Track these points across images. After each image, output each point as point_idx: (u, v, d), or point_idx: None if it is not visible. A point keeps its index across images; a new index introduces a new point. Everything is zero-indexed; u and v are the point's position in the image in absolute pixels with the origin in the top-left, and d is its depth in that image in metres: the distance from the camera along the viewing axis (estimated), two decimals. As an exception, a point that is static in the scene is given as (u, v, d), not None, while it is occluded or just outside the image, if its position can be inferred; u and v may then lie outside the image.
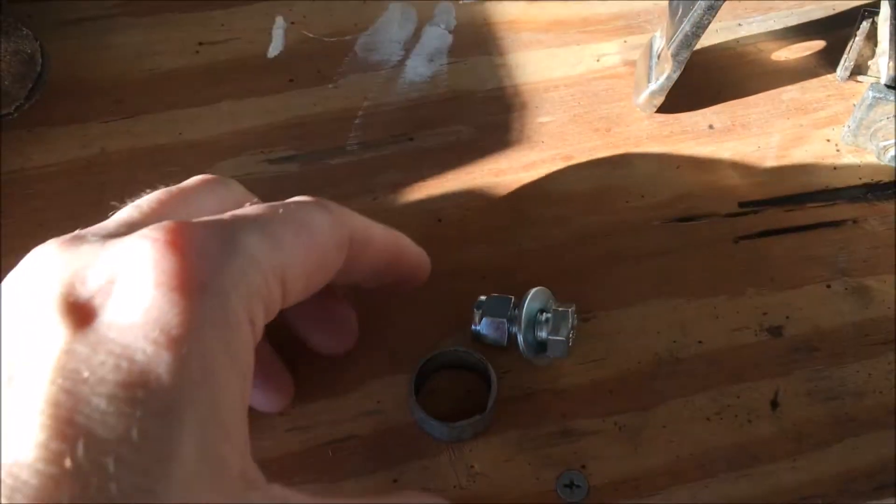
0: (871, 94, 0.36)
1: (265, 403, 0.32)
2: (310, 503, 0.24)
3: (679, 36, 0.36)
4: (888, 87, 0.36)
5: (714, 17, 0.35)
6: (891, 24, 0.34)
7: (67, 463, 0.19)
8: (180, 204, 0.26)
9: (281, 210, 0.26)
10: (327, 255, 0.27)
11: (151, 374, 0.20)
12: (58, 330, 0.21)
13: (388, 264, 0.31)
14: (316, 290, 0.27)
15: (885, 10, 0.35)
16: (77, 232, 0.24)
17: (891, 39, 0.35)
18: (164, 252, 0.22)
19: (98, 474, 0.19)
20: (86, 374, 0.20)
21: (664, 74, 0.37)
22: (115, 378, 0.20)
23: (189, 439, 0.20)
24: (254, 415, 0.27)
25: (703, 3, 0.34)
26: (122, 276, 0.22)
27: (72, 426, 0.19)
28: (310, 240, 0.26)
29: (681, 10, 0.36)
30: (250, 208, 0.26)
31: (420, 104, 0.41)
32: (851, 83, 0.41)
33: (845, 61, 0.40)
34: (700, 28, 0.36)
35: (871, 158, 0.38)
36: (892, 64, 0.36)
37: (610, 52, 0.42)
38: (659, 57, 0.39)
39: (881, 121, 0.36)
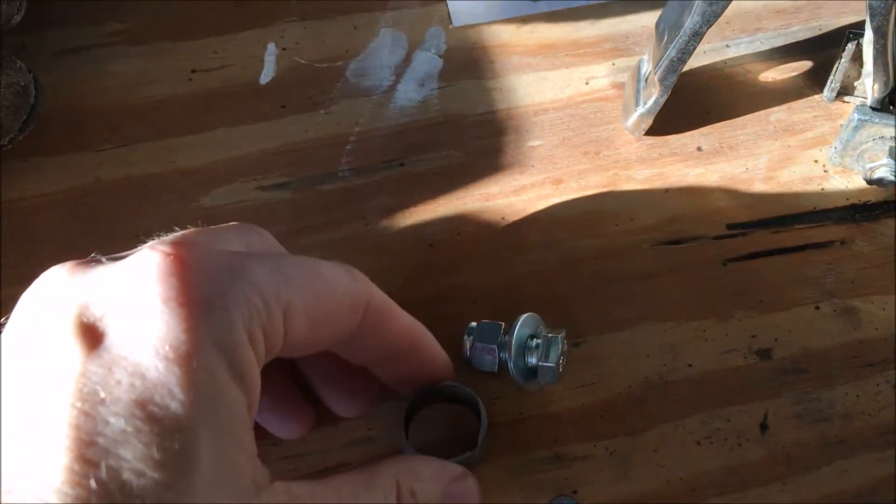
0: (856, 116, 0.36)
1: (284, 431, 0.32)
2: (309, 490, 0.25)
3: (665, 62, 0.36)
4: (873, 109, 0.36)
5: (699, 42, 0.35)
6: (874, 46, 0.35)
7: (92, 484, 0.19)
8: (204, 236, 0.26)
9: (301, 258, 0.26)
10: (339, 309, 0.27)
11: (165, 391, 0.21)
12: (73, 352, 0.21)
13: (407, 351, 0.31)
14: (325, 345, 0.28)
15: (869, 31, 0.35)
16: (93, 255, 0.25)
17: (875, 62, 0.35)
18: (171, 266, 0.23)
19: (123, 493, 0.19)
20: (102, 394, 0.21)
21: (651, 99, 0.38)
22: (131, 397, 0.21)
23: (206, 452, 0.21)
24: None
25: (688, 30, 0.35)
26: (130, 289, 0.23)
27: (94, 448, 0.20)
28: (322, 286, 0.26)
29: (667, 36, 0.37)
30: (271, 252, 0.27)
31: (411, 129, 0.41)
32: (838, 104, 0.41)
33: (832, 82, 0.40)
34: (686, 54, 0.36)
35: (858, 179, 0.39)
36: (876, 86, 0.36)
37: (599, 75, 0.43)
38: (646, 81, 0.39)
39: (867, 142, 0.37)
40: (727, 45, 0.43)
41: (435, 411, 0.34)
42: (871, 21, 0.33)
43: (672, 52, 0.36)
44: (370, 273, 0.37)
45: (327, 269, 0.27)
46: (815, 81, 0.42)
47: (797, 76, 0.42)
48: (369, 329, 0.28)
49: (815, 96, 0.41)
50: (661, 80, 0.37)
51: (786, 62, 0.43)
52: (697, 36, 0.35)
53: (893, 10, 0.33)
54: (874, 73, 0.35)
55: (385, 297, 0.29)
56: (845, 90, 0.40)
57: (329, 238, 0.38)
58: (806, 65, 0.42)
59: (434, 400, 0.34)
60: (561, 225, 0.38)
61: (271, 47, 0.44)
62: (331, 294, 0.27)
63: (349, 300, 0.27)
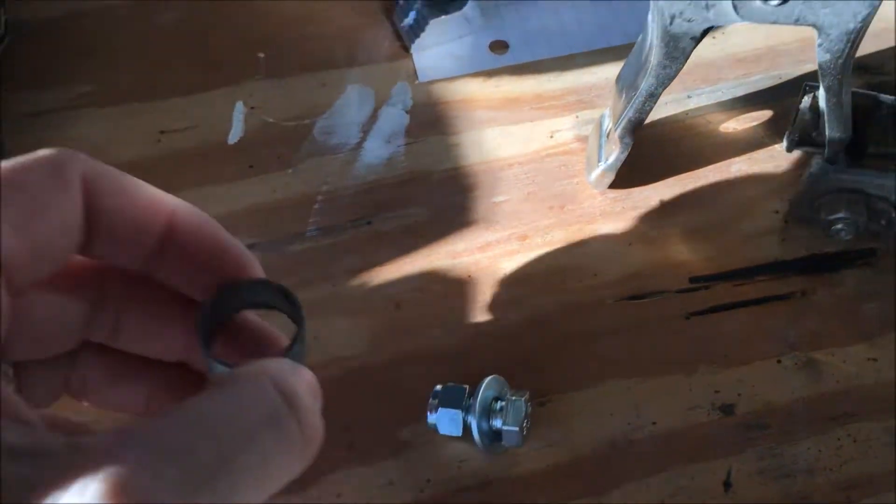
0: (812, 170, 0.37)
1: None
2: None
3: (623, 121, 0.37)
4: (830, 161, 0.37)
5: (656, 102, 0.36)
6: (827, 103, 0.35)
7: None
8: None
9: None
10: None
11: None
12: None
13: (167, 234, 0.24)
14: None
15: (822, 88, 0.36)
16: None
17: (829, 117, 0.36)
18: None
19: None
20: None
21: (613, 155, 0.38)
22: None
23: None
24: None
25: (644, 91, 0.35)
26: None
27: None
28: None
29: (625, 95, 0.37)
30: None
31: (378, 187, 0.42)
32: (798, 153, 0.41)
33: (790, 133, 0.41)
34: (643, 113, 0.36)
35: (817, 229, 0.39)
36: (832, 140, 0.37)
37: (563, 128, 0.43)
38: (608, 136, 0.39)
39: (824, 196, 0.37)
40: (688, 96, 0.44)
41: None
42: (823, 80, 0.34)
43: (630, 112, 0.36)
44: (337, 335, 0.38)
45: None
46: (775, 131, 0.42)
47: (758, 126, 0.43)
48: (98, 211, 0.22)
49: (776, 146, 0.42)
50: (621, 138, 0.37)
51: (746, 112, 0.43)
52: (653, 97, 0.36)
53: (843, 70, 0.33)
54: (829, 127, 0.36)
55: (114, 169, 0.23)
56: (804, 140, 0.41)
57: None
58: (766, 114, 0.43)
59: (238, 305, 0.26)
60: (526, 282, 0.39)
61: (239, 106, 0.44)
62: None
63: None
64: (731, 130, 0.43)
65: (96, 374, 0.26)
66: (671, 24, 0.32)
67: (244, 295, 0.26)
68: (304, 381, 0.22)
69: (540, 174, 0.42)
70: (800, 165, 0.41)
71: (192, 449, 0.18)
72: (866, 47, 0.44)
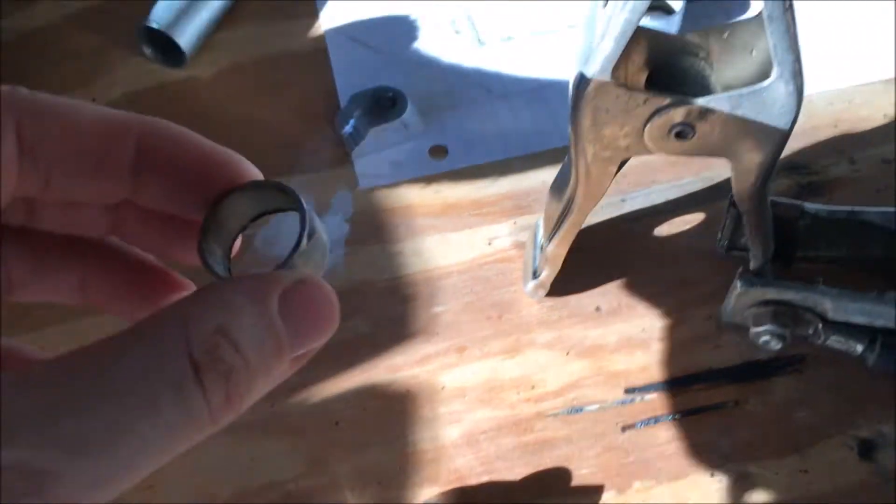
0: (739, 283, 0.38)
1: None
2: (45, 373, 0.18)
3: (550, 247, 0.38)
4: (757, 274, 0.38)
5: (576, 233, 0.37)
6: (747, 223, 0.36)
7: None
8: None
9: None
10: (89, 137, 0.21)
11: None
12: None
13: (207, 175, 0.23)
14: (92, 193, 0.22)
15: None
16: None
17: (751, 235, 0.37)
18: None
19: None
20: None
21: (544, 273, 0.39)
22: None
23: None
24: None
25: (567, 224, 0.36)
26: None
27: None
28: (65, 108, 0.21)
29: (556, 206, 0.38)
30: None
31: (318, 299, 0.42)
32: (730, 257, 0.42)
33: (721, 238, 0.42)
34: (567, 241, 0.37)
35: (749, 337, 0.40)
36: (756, 255, 0.37)
37: (501, 235, 0.44)
38: (541, 249, 0.40)
39: (751, 307, 0.38)
40: (623, 200, 0.45)
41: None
42: (740, 205, 0.35)
43: (559, 233, 0.37)
44: (276, 457, 0.38)
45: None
46: (707, 234, 0.43)
47: (691, 229, 0.44)
48: (151, 160, 0.22)
49: (708, 249, 0.43)
50: (551, 259, 0.38)
51: (679, 215, 0.44)
52: (576, 226, 0.36)
53: (759, 196, 0.34)
54: (751, 245, 0.37)
55: (58, 99, 0.22)
56: (734, 245, 0.42)
57: (236, 422, 0.38)
58: (699, 217, 0.44)
59: (242, 214, 0.25)
60: (463, 396, 0.39)
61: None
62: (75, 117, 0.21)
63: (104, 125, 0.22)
64: (664, 234, 0.44)
65: (19, 266, 0.24)
66: (590, 159, 0.33)
67: (247, 201, 0.24)
68: (245, 325, 0.19)
69: (478, 283, 0.42)
70: (731, 269, 0.42)
71: (92, 409, 0.17)
72: (794, 145, 0.46)
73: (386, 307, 0.42)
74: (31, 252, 0.24)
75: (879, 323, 0.37)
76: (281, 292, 0.21)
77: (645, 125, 0.31)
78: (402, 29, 0.52)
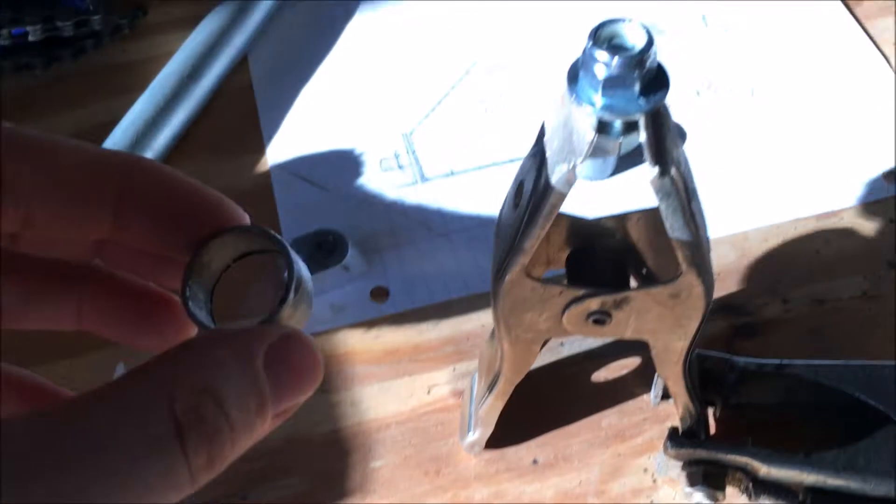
0: (668, 444, 0.38)
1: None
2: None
3: (482, 410, 0.38)
4: (685, 435, 0.38)
5: (506, 399, 0.37)
6: (671, 390, 0.37)
7: None
8: None
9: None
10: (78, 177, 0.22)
11: None
12: None
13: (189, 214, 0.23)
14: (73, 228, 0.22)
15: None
16: None
17: (677, 404, 0.37)
18: None
19: None
20: None
21: (478, 432, 0.39)
22: None
23: None
24: None
25: (494, 394, 0.37)
26: None
27: None
28: (58, 147, 0.21)
29: (488, 380, 0.38)
30: None
31: (254, 455, 0.42)
32: (665, 405, 0.43)
33: (655, 386, 0.42)
34: (496, 409, 0.38)
35: (685, 489, 0.40)
36: (682, 418, 0.38)
37: (440, 382, 0.44)
38: (476, 405, 0.40)
39: (683, 467, 0.38)
40: (561, 344, 0.45)
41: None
42: (663, 379, 0.36)
43: (485, 405, 0.38)
44: None
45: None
46: (643, 380, 0.44)
47: (627, 375, 0.44)
48: (135, 200, 0.22)
49: (644, 395, 0.43)
50: (484, 420, 0.38)
51: (616, 360, 0.45)
52: (504, 395, 0.37)
53: (678, 372, 0.35)
54: (678, 410, 0.37)
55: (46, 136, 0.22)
56: (668, 394, 0.42)
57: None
58: (634, 362, 0.45)
59: (227, 257, 0.24)
60: (399, 560, 0.39)
61: (120, 368, 0.45)
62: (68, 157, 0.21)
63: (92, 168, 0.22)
64: (602, 381, 0.44)
65: (11, 292, 0.24)
66: (513, 340, 0.33)
67: (232, 244, 0.24)
68: (231, 384, 0.19)
69: (417, 435, 0.42)
70: (667, 417, 0.43)
71: (67, 469, 0.17)
72: (730, 285, 0.47)
73: (324, 462, 0.42)
74: (23, 280, 0.24)
75: (808, 482, 0.38)
76: (267, 349, 0.21)
77: (563, 312, 0.32)
78: (347, 164, 0.53)
